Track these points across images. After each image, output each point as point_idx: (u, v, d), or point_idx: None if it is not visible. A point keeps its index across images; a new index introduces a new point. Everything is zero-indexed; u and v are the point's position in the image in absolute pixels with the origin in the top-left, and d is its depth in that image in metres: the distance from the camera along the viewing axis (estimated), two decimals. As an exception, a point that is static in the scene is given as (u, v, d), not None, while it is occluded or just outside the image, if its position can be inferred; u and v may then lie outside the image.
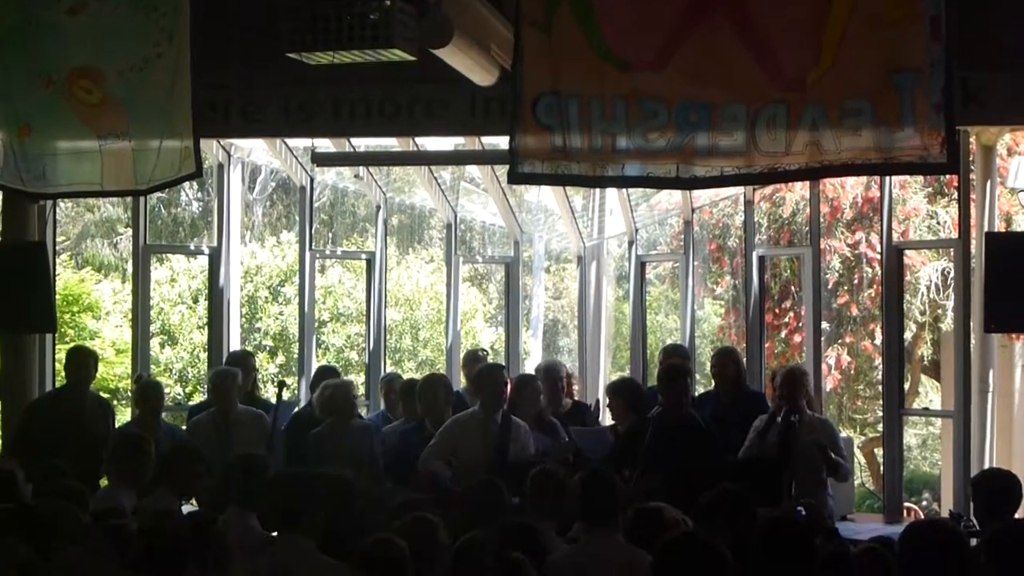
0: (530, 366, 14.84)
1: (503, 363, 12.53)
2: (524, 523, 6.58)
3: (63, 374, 10.95)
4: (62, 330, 17.35)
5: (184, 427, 10.84)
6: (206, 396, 11.32)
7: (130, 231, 17.42)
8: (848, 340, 18.66)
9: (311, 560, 6.12)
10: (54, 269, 12.14)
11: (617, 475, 7.70)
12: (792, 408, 9.47)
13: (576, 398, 11.56)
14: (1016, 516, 7.30)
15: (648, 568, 5.41)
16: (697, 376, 14.27)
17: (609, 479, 6.97)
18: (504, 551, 5.83)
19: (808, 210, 13.94)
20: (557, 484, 7.28)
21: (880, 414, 13.68)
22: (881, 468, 11.16)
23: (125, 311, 20.35)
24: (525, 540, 6.18)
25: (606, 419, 11.00)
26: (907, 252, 14.31)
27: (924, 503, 19.46)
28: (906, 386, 15.41)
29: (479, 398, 9.72)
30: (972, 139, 11.16)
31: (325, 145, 12.55)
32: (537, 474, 7.39)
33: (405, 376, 12.07)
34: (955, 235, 11.93)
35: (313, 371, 12.40)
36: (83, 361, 10.57)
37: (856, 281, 18.16)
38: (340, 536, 6.51)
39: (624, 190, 13.47)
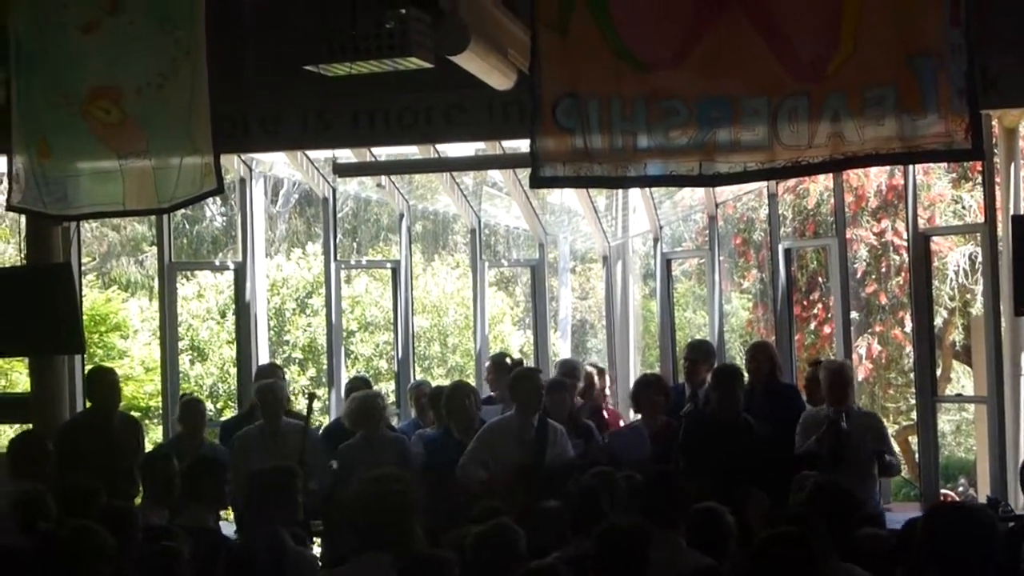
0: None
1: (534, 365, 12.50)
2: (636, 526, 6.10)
3: (91, 396, 10.94)
4: (91, 350, 17.37)
5: (217, 442, 10.84)
6: (238, 411, 11.26)
7: (155, 249, 17.47)
8: (878, 329, 18.60)
9: None
10: (80, 290, 12.14)
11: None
12: (838, 406, 9.43)
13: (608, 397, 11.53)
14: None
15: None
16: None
17: (673, 481, 6.83)
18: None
19: (832, 200, 13.86)
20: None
21: (913, 402, 13.62)
22: (916, 456, 11.08)
23: (154, 329, 20.38)
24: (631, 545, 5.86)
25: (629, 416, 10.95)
26: (934, 238, 14.22)
27: (961, 489, 19.33)
28: (938, 372, 15.32)
29: (514, 402, 9.68)
30: (994, 122, 11.12)
31: (346, 155, 12.54)
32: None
33: (434, 383, 12.06)
34: (981, 219, 11.85)
35: (344, 382, 12.41)
36: (106, 379, 10.49)
37: (884, 269, 18.11)
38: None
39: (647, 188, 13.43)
